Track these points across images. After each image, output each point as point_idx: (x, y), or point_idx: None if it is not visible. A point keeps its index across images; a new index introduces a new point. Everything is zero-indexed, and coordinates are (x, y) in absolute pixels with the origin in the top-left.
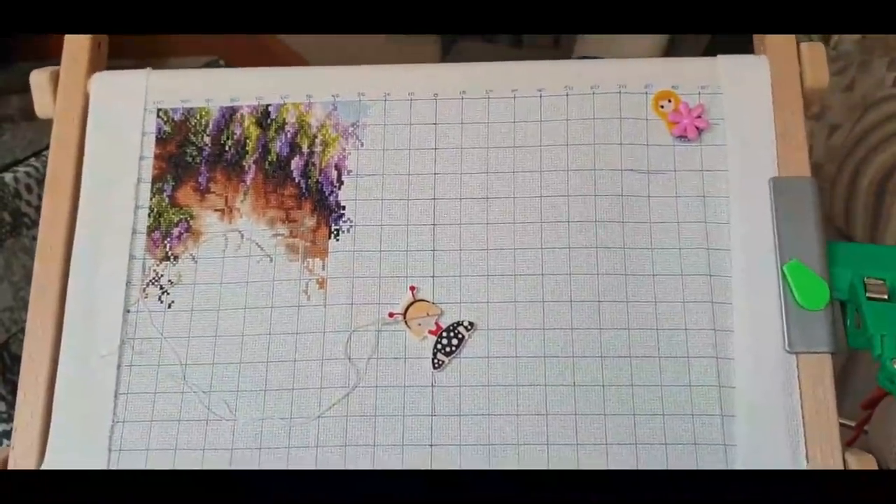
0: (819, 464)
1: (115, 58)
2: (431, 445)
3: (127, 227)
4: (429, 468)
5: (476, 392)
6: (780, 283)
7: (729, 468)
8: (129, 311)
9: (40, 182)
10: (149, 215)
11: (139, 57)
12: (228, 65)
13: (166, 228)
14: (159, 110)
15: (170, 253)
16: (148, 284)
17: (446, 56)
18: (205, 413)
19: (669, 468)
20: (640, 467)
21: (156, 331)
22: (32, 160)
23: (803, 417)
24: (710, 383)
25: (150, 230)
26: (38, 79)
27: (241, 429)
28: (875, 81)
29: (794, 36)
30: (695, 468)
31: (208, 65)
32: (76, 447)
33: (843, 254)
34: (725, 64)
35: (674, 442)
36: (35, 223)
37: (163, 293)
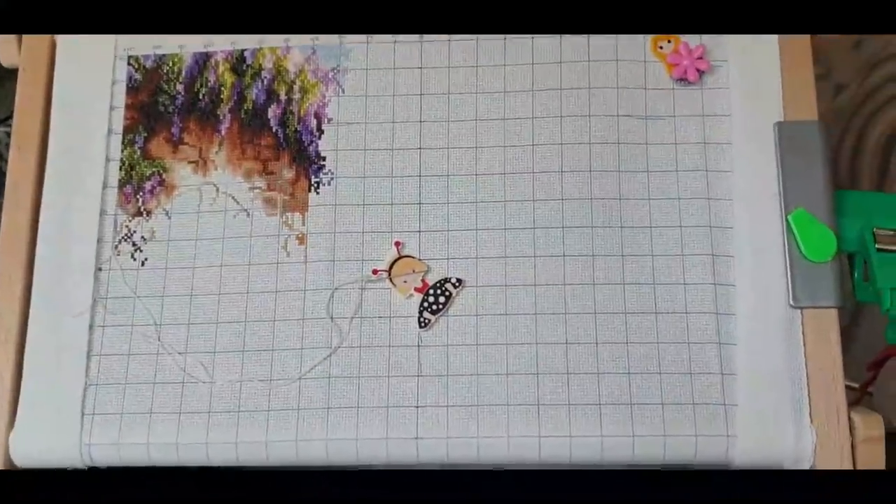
0: (823, 424)
1: None
2: (417, 407)
3: (97, 181)
4: (415, 436)
5: (464, 351)
6: (784, 234)
7: (729, 429)
8: (100, 270)
9: None
10: (120, 168)
11: None
12: None
13: (138, 182)
14: (130, 57)
15: (142, 208)
16: (120, 241)
17: None
18: (180, 375)
19: (666, 431)
20: (636, 429)
21: (129, 289)
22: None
23: (808, 376)
24: (709, 340)
25: (122, 184)
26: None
27: (219, 391)
28: (883, 40)
29: None
30: (694, 444)
31: None
32: (48, 410)
33: (851, 203)
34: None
35: (671, 402)
36: None
37: (136, 250)
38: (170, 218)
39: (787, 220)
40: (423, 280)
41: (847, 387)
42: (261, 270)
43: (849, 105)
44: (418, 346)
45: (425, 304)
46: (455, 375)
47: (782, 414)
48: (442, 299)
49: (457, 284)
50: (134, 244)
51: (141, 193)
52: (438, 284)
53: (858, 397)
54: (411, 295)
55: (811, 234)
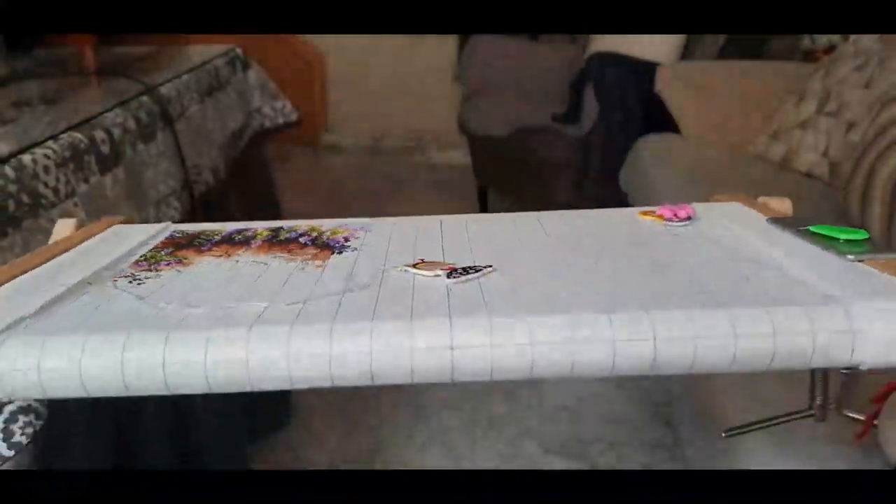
0: None
1: (130, 44)
2: (450, 316)
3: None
4: (449, 346)
5: (503, 296)
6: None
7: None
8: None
9: (58, 164)
10: (139, 260)
11: (155, 42)
12: (247, 55)
13: (152, 263)
14: (175, 231)
15: (152, 269)
16: (119, 278)
17: (462, 50)
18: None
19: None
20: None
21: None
22: (50, 142)
23: None
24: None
25: (136, 262)
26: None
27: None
28: (894, 78)
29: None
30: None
31: (225, 54)
32: None
33: None
34: (698, 207)
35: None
36: (52, 204)
37: (135, 283)
38: (180, 273)
39: (808, 231)
40: (449, 266)
41: (853, 419)
42: (271, 280)
43: (860, 142)
44: (448, 294)
45: (454, 276)
46: (495, 312)
47: None
48: (472, 272)
49: (487, 269)
50: (134, 277)
51: (155, 267)
52: (468, 266)
53: (864, 430)
54: (437, 274)
55: (837, 231)
